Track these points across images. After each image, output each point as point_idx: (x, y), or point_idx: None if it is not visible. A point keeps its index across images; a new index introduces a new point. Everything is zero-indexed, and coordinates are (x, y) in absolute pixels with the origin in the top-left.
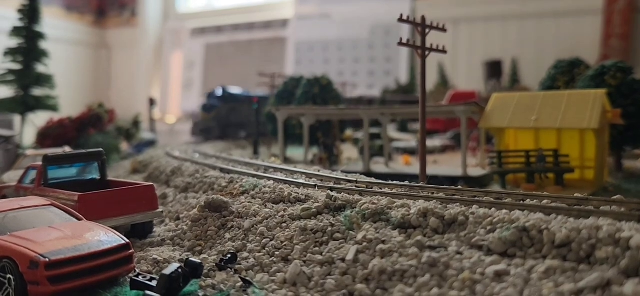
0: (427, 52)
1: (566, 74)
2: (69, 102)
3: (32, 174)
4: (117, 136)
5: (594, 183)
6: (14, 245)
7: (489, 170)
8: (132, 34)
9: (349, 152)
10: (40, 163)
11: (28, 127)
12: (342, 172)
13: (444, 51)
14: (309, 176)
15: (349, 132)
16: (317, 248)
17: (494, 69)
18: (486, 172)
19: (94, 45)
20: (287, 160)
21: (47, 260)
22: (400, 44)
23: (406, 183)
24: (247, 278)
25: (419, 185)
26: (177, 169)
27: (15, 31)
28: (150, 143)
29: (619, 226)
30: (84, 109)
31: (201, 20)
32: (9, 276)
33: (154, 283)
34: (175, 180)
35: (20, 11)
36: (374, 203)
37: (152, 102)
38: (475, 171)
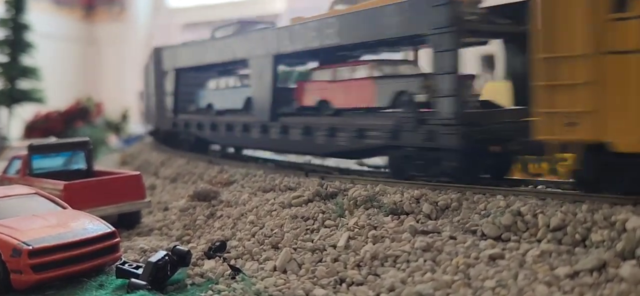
0: None
1: None
2: (59, 96)
3: (17, 164)
4: (106, 129)
5: None
6: None
7: None
8: (122, 28)
9: None
10: (25, 153)
11: (15, 120)
12: None
13: None
14: None
15: None
16: (307, 236)
17: (488, 62)
18: None
19: (84, 40)
20: None
21: (30, 247)
22: None
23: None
24: (236, 266)
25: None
26: (166, 160)
27: (1, 22)
28: (140, 137)
29: (615, 209)
30: (72, 102)
31: (192, 15)
32: None
33: (140, 271)
34: (164, 171)
35: (6, 2)
36: (366, 190)
37: (142, 97)
38: None
